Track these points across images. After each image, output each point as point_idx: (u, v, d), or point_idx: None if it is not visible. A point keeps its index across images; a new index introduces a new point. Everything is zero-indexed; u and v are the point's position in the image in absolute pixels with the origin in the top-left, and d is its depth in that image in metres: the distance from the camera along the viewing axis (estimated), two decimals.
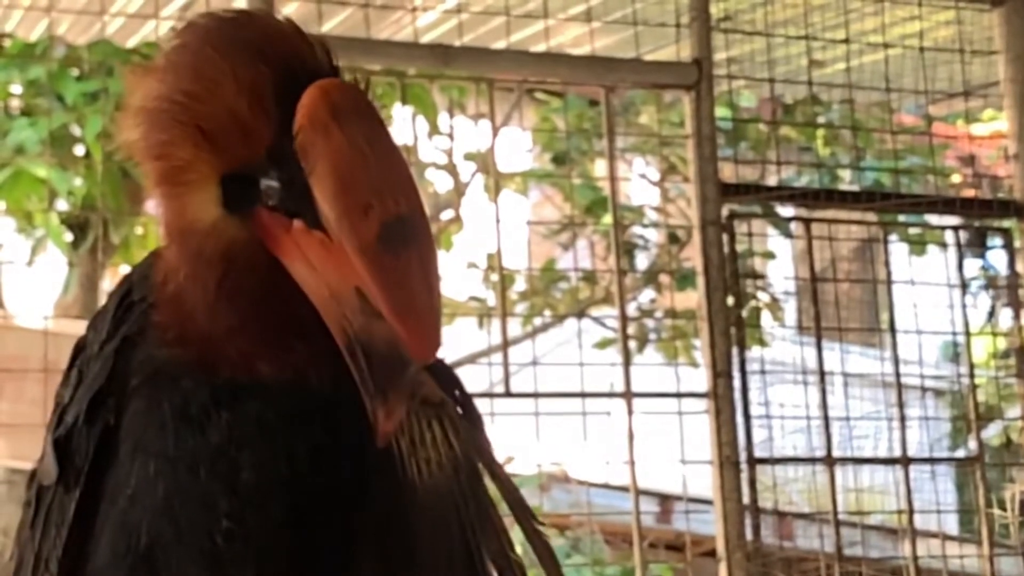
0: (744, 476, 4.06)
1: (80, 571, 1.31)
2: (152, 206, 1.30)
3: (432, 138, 7.68)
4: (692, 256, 4.36)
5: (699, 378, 4.28)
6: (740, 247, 4.34)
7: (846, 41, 4.62)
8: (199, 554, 1.26)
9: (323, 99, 1.20)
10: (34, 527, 1.35)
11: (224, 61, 1.23)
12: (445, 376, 1.40)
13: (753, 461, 4.10)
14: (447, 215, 7.94)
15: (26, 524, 1.37)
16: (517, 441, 4.52)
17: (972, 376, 4.60)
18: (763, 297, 7.23)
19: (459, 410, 1.40)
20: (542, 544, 1.40)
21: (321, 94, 1.21)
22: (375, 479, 1.31)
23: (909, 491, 4.32)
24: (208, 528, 1.25)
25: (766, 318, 7.30)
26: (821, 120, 6.97)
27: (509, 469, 5.85)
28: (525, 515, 1.39)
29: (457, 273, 7.86)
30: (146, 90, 1.27)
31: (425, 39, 4.45)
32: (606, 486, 6.86)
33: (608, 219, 5.04)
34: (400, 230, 1.18)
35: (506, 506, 1.41)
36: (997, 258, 7.48)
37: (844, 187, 6.23)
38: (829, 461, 4.25)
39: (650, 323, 7.55)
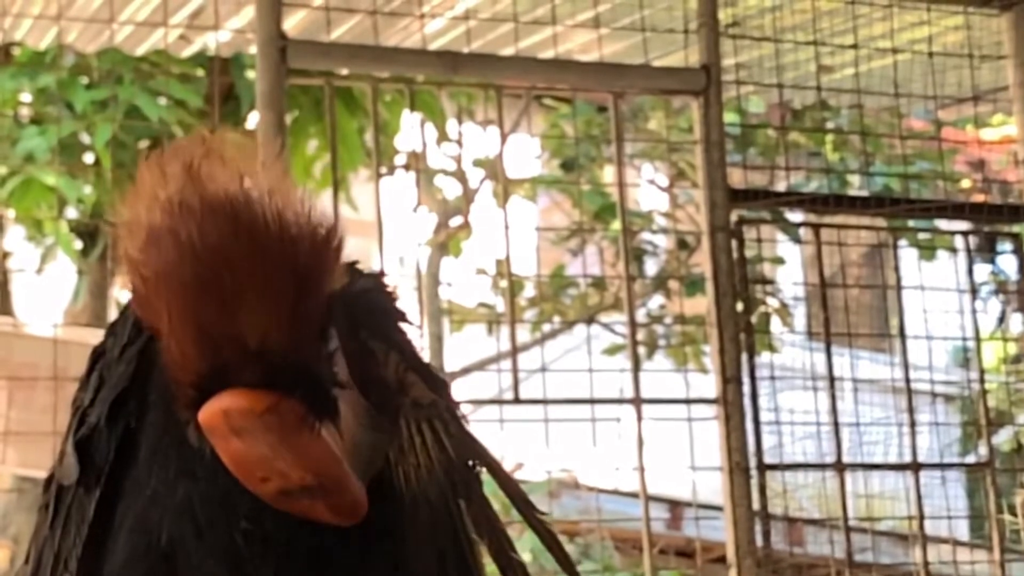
0: (754, 482, 4.05)
1: (98, 570, 1.32)
2: None
3: (441, 145, 7.70)
4: (701, 262, 4.36)
5: (708, 384, 4.28)
6: (749, 253, 4.34)
7: (855, 46, 4.62)
8: (219, 554, 1.27)
9: (223, 419, 1.19)
10: (53, 527, 1.36)
11: (171, 320, 1.20)
12: (431, 377, 1.40)
13: (763, 467, 4.10)
14: (456, 222, 7.96)
15: (45, 525, 1.38)
16: (526, 448, 4.52)
17: (982, 381, 4.59)
18: (772, 303, 7.24)
19: (448, 412, 1.40)
20: (547, 534, 1.41)
21: (221, 416, 1.19)
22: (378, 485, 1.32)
23: (919, 497, 4.31)
24: (228, 529, 1.27)
25: (775, 324, 7.30)
26: (830, 125, 6.97)
27: (518, 476, 5.85)
28: (527, 507, 1.39)
29: (466, 279, 7.87)
30: (130, 251, 1.24)
31: (433, 46, 4.45)
32: (616, 492, 6.86)
33: (617, 225, 5.04)
34: (303, 493, 1.22)
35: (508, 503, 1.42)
36: (1007, 263, 7.50)
37: (853, 192, 6.23)
38: (839, 467, 4.24)
39: (659, 329, 7.55)
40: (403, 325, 1.39)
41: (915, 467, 4.35)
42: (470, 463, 1.39)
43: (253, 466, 1.22)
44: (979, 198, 6.69)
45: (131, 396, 1.33)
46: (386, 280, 1.42)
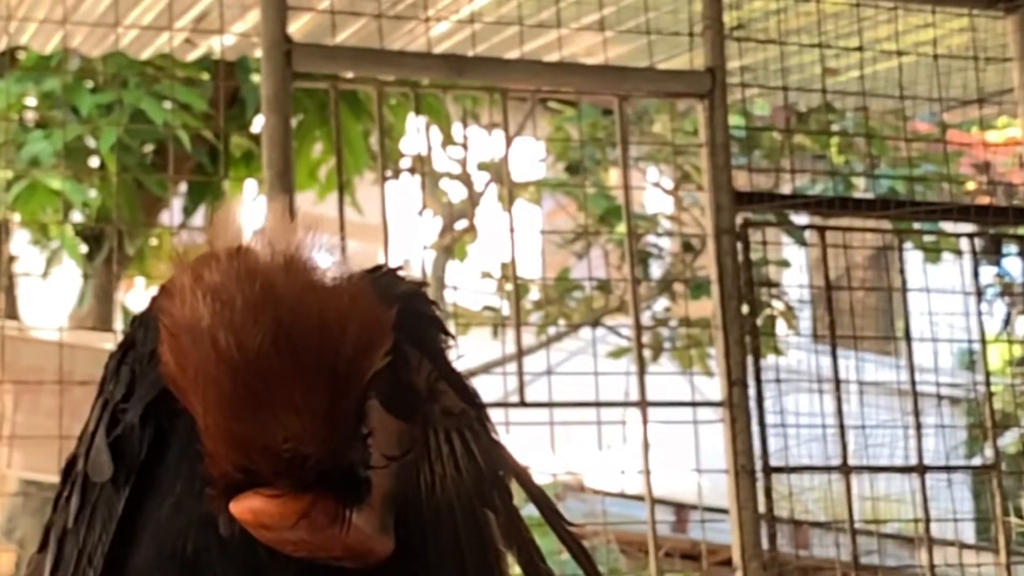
0: (760, 485, 4.05)
1: (121, 567, 1.32)
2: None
3: (446, 148, 7.70)
4: (706, 265, 4.36)
5: (714, 387, 4.27)
6: (754, 255, 4.33)
7: (860, 49, 4.61)
8: (243, 564, 1.28)
9: (252, 516, 1.22)
10: (78, 521, 1.36)
11: (205, 416, 1.21)
12: (463, 387, 1.40)
13: (769, 470, 4.09)
14: (461, 225, 7.96)
15: (67, 518, 1.37)
16: (532, 451, 4.52)
17: (988, 384, 4.58)
18: (778, 305, 7.23)
19: (477, 422, 1.40)
20: (576, 545, 1.41)
21: (251, 514, 1.21)
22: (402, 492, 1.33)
23: (925, 499, 4.31)
24: (251, 543, 1.27)
25: (781, 326, 7.30)
26: (835, 128, 6.97)
27: None
28: (556, 518, 1.39)
29: (471, 283, 7.87)
30: (171, 316, 1.23)
31: (438, 49, 4.45)
32: (621, 495, 6.86)
33: (622, 228, 5.04)
34: (331, 560, 1.27)
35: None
36: (1012, 265, 7.49)
37: (858, 195, 6.23)
38: (845, 470, 4.24)
39: (665, 332, 7.55)
40: (440, 334, 1.39)
41: (921, 470, 4.35)
42: (499, 473, 1.39)
43: (282, 547, 1.24)
44: (984, 200, 6.69)
45: (165, 397, 1.32)
46: (426, 288, 1.42)
